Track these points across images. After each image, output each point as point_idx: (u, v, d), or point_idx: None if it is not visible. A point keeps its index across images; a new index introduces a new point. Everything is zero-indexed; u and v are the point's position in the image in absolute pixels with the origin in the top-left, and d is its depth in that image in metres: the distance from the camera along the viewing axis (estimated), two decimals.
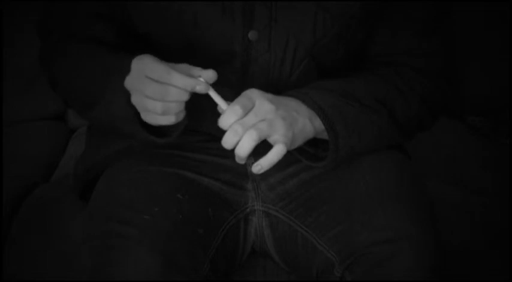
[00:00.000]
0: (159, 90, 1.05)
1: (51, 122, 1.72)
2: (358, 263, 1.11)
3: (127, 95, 1.09)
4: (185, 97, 1.06)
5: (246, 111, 1.08)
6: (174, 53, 1.17)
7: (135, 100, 1.08)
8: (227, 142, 1.07)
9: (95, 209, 1.18)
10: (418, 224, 1.13)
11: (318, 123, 1.14)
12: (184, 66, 1.08)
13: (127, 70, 1.08)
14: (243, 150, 1.06)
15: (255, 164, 1.09)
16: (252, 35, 1.16)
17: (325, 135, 1.15)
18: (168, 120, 1.08)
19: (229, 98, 1.09)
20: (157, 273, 1.07)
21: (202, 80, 1.07)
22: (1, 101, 1.65)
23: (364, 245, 1.11)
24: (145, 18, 1.18)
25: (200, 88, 1.06)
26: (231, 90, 1.14)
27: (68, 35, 1.23)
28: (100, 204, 1.18)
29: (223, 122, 1.07)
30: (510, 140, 1.72)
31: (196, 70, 1.08)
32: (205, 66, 1.09)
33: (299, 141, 1.12)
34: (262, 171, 1.09)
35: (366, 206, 1.15)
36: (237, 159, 1.09)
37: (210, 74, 1.07)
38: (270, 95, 1.11)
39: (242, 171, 1.24)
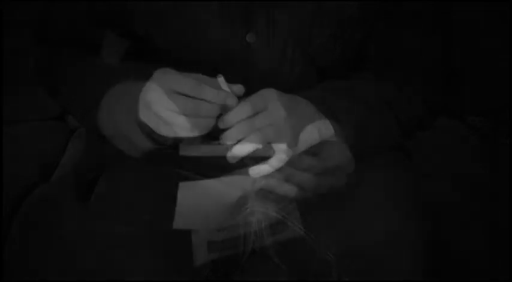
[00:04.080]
0: (190, 105, 1.01)
1: (51, 122, 1.72)
2: (357, 264, 1.11)
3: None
4: (216, 112, 1.03)
5: (255, 112, 1.06)
6: (173, 54, 1.17)
7: (154, 112, 1.04)
8: (229, 137, 1.05)
9: (96, 209, 1.18)
10: (417, 224, 1.13)
11: (325, 131, 1.12)
12: (205, 79, 1.05)
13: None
14: (241, 150, 1.06)
15: (254, 168, 1.08)
16: (250, 37, 1.16)
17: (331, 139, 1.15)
18: (191, 133, 1.04)
19: None
20: (157, 273, 1.07)
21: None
22: (1, 101, 1.65)
23: (363, 245, 1.11)
24: (145, 21, 1.18)
25: (230, 101, 1.04)
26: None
27: (68, 36, 1.23)
28: (100, 205, 1.18)
29: (229, 119, 1.05)
30: (510, 140, 1.72)
31: (222, 83, 1.06)
32: (204, 67, 1.09)
33: (302, 149, 1.12)
34: (259, 176, 1.09)
35: (365, 206, 1.15)
36: (230, 156, 1.07)
37: (239, 89, 1.05)
38: (285, 99, 1.08)
39: (242, 171, 1.24)
